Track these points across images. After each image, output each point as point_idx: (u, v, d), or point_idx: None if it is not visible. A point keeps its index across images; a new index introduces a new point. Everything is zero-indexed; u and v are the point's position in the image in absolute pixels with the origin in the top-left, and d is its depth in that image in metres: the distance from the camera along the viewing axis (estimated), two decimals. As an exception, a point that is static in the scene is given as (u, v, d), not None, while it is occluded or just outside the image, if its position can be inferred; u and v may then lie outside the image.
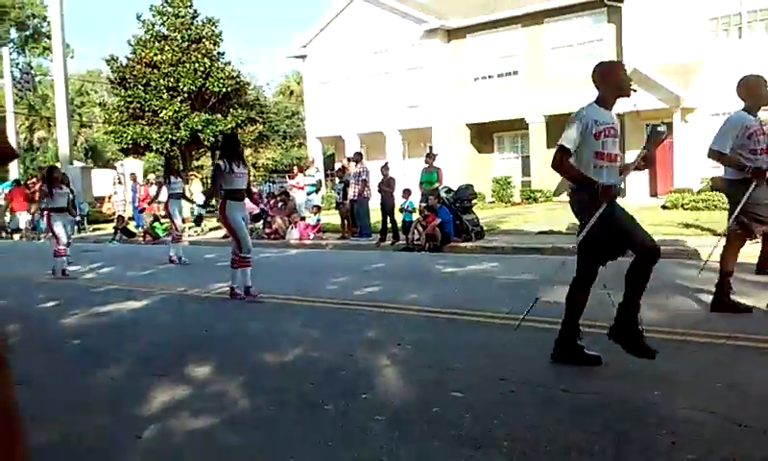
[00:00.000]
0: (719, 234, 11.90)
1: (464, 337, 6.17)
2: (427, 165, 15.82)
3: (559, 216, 17.71)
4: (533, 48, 24.36)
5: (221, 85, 30.33)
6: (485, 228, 14.91)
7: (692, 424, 3.72)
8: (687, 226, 13.23)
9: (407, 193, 15.72)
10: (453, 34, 26.78)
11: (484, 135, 27.10)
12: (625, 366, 4.84)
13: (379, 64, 28.25)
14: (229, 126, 30.27)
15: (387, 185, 15.46)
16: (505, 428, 3.79)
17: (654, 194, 21.73)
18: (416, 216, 15.03)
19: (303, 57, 31.12)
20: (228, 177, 8.21)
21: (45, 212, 12.40)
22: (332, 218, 19.42)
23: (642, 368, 4.76)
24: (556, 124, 23.74)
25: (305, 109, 32.64)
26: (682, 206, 16.46)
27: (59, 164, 24.82)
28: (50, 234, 12.21)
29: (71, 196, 12.74)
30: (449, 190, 15.34)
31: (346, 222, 16.94)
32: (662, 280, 8.41)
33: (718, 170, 21.67)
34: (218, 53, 31.51)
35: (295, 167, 22.66)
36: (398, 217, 15.39)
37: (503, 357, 5.34)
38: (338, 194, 17.50)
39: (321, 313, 7.54)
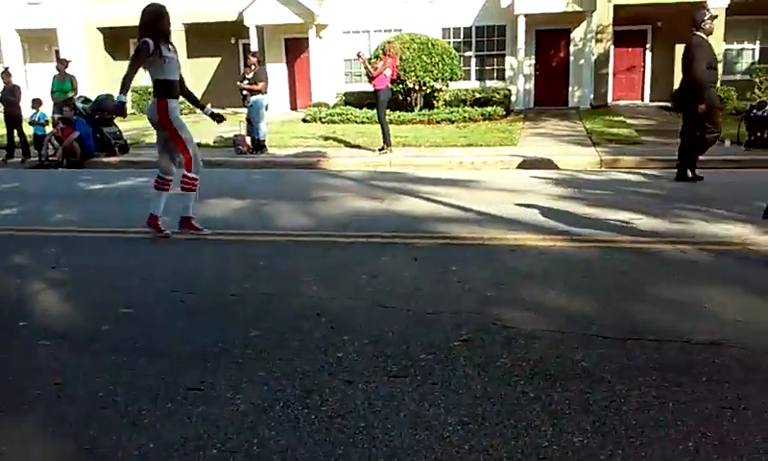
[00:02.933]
0: (353, 146, 13.23)
1: (127, 255, 6.04)
2: (59, 72, 14.41)
3: (205, 129, 17.72)
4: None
5: None
6: (129, 141, 14.28)
7: (345, 310, 4.30)
8: (326, 138, 14.33)
9: (37, 103, 14.20)
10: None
11: (119, 41, 25.35)
12: (284, 266, 5.30)
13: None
14: None
15: (11, 94, 13.75)
16: (180, 336, 3.94)
17: (294, 107, 22.86)
18: (49, 129, 13.72)
19: None
20: (158, 63, 6.13)
21: None
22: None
23: (301, 269, 5.26)
24: (196, 32, 23.28)
25: None
26: (320, 119, 17.68)
27: None
28: None
29: None
30: (87, 100, 14.27)
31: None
32: (308, 189, 9.15)
33: (350, 86, 23.17)
34: None
35: None
36: (28, 130, 13.87)
37: (171, 271, 5.41)
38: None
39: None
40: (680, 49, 20.45)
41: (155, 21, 6.24)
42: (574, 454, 2.63)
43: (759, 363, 3.37)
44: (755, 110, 11.98)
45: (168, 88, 6.25)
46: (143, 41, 6.09)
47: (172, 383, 3.34)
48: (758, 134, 11.66)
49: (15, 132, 13.70)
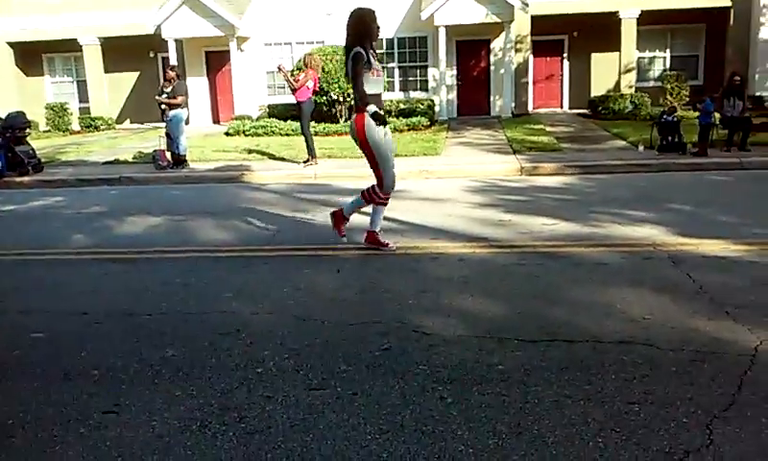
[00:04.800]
0: (278, 158, 13.15)
1: (37, 277, 5.82)
2: (-34, 89, 13.80)
3: (123, 144, 17.28)
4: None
5: None
6: (43, 160, 13.78)
7: (265, 324, 4.26)
8: (250, 151, 14.18)
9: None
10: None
11: (31, 56, 24.46)
12: (203, 283, 5.22)
13: None
14: None
15: None
16: (93, 358, 3.82)
17: (217, 121, 22.53)
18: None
19: None
20: (366, 76, 5.50)
21: None
22: None
23: (220, 285, 5.19)
24: (113, 47, 22.69)
25: None
26: (243, 132, 17.47)
27: None
28: None
29: None
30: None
31: None
32: (231, 203, 9.03)
33: (273, 98, 22.98)
34: None
35: None
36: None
37: (81, 293, 5.24)
38: None
39: None
40: (595, 58, 21.39)
41: (366, 27, 5.61)
42: (489, 456, 2.68)
43: (664, 359, 3.52)
44: (665, 116, 12.51)
45: (374, 102, 5.60)
46: (358, 51, 5.49)
47: (85, 408, 3.24)
48: (669, 139, 12.17)
49: None
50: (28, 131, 14.07)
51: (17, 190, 11.67)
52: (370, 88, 5.58)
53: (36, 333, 4.26)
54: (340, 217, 6.15)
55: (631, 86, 19.91)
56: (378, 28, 5.71)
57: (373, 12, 5.70)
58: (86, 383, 3.52)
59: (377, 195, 5.91)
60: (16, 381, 3.59)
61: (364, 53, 5.51)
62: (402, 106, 19.35)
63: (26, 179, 12.47)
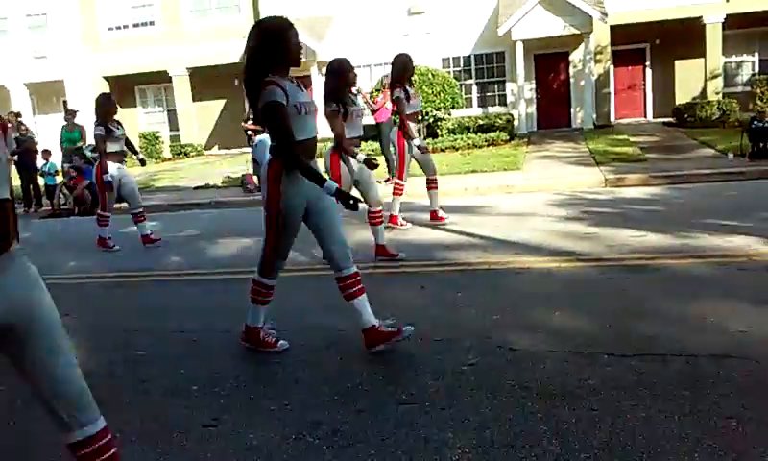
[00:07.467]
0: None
1: (140, 299, 6.15)
2: (67, 123, 14.68)
3: (213, 170, 17.95)
4: (168, -1, 23.75)
5: None
6: (139, 186, 14.46)
7: (354, 340, 4.35)
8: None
9: (47, 154, 14.46)
10: (81, -22, 24.76)
11: (125, 89, 25.81)
12: (293, 301, 5.39)
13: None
14: None
15: (30, 144, 14.01)
16: (192, 375, 4.01)
17: (298, 143, 23.09)
18: (60, 179, 13.96)
19: None
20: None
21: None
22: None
23: (310, 302, 5.34)
24: (200, 76, 23.64)
25: None
26: (325, 153, 17.84)
27: None
28: None
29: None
30: (95, 149, 14.50)
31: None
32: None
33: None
34: None
35: None
36: (39, 181, 14.12)
37: (183, 311, 5.50)
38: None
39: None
40: (679, 65, 20.75)
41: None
42: (582, 471, 2.68)
43: (763, 373, 3.41)
44: (755, 121, 12.03)
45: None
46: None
47: (186, 421, 3.41)
48: (761, 145, 11.69)
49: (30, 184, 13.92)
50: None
51: (115, 216, 12.29)
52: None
53: (139, 352, 4.51)
54: None
55: (718, 93, 19.22)
56: None
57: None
58: (187, 398, 3.71)
59: None
60: (121, 395, 3.80)
61: None
62: (481, 121, 19.30)
63: (123, 205, 13.12)
